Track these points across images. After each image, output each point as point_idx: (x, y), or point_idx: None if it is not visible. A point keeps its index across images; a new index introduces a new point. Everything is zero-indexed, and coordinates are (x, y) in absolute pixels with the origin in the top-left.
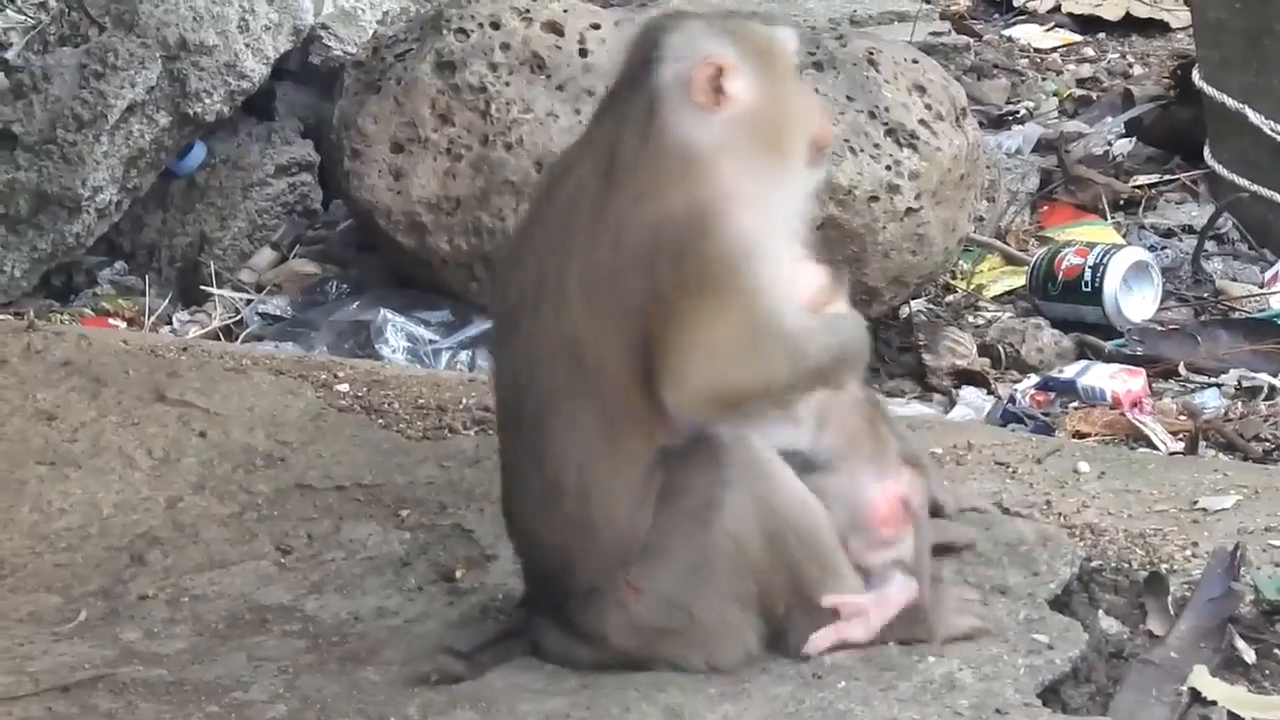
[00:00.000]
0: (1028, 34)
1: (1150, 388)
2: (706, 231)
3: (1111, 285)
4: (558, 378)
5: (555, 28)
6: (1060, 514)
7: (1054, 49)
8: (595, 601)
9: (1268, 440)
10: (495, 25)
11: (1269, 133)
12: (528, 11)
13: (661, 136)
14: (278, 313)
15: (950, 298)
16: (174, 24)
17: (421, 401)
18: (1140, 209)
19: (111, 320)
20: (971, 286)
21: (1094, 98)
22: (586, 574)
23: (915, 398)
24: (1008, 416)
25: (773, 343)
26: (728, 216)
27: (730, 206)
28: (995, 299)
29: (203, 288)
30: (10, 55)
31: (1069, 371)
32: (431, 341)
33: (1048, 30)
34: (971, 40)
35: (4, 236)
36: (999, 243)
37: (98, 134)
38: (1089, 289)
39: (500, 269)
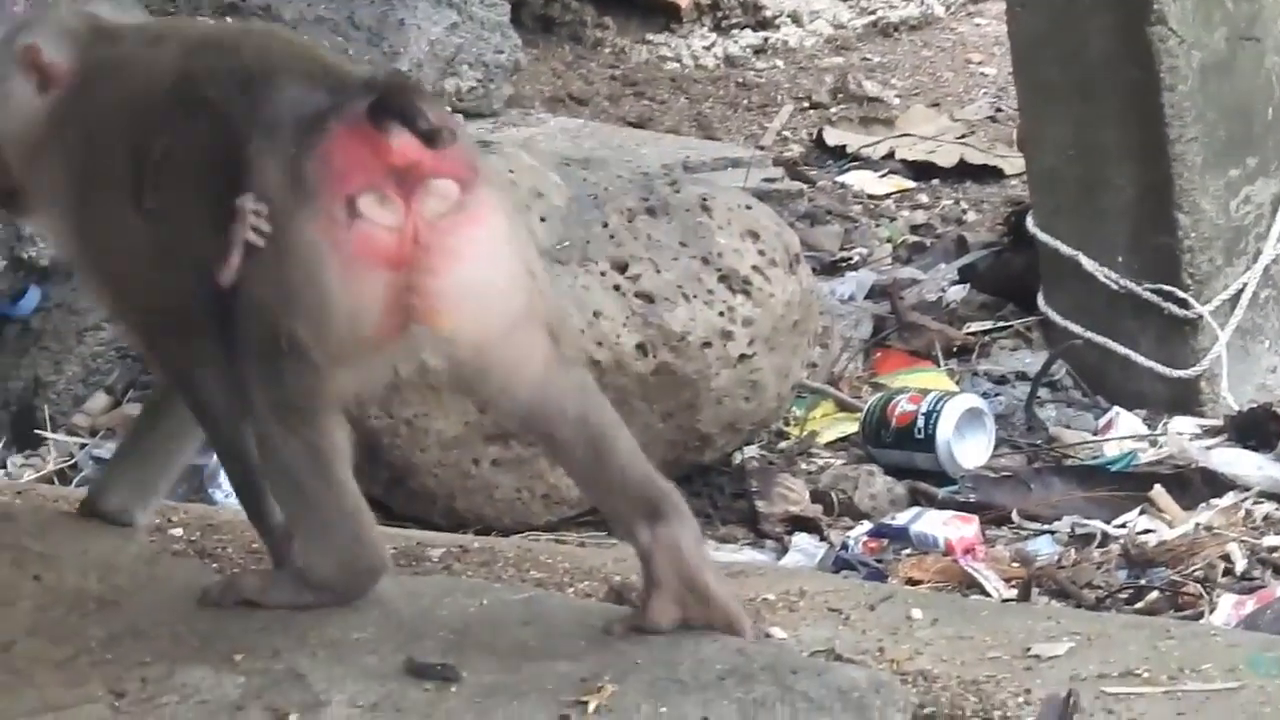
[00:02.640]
0: (861, 180)
1: (983, 534)
2: None
3: (944, 432)
4: None
5: None
6: (893, 660)
7: (888, 195)
8: None
9: (1100, 587)
10: None
11: (1102, 279)
12: None
13: None
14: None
15: (783, 444)
16: None
17: (255, 546)
18: (974, 356)
19: None
20: (804, 433)
21: (928, 244)
22: None
23: (748, 544)
24: (840, 563)
25: None
26: None
27: None
28: (828, 445)
29: (37, 432)
30: None
31: (902, 518)
32: None
33: (881, 176)
34: (805, 186)
35: None
36: (832, 389)
37: None
38: (922, 436)
39: None
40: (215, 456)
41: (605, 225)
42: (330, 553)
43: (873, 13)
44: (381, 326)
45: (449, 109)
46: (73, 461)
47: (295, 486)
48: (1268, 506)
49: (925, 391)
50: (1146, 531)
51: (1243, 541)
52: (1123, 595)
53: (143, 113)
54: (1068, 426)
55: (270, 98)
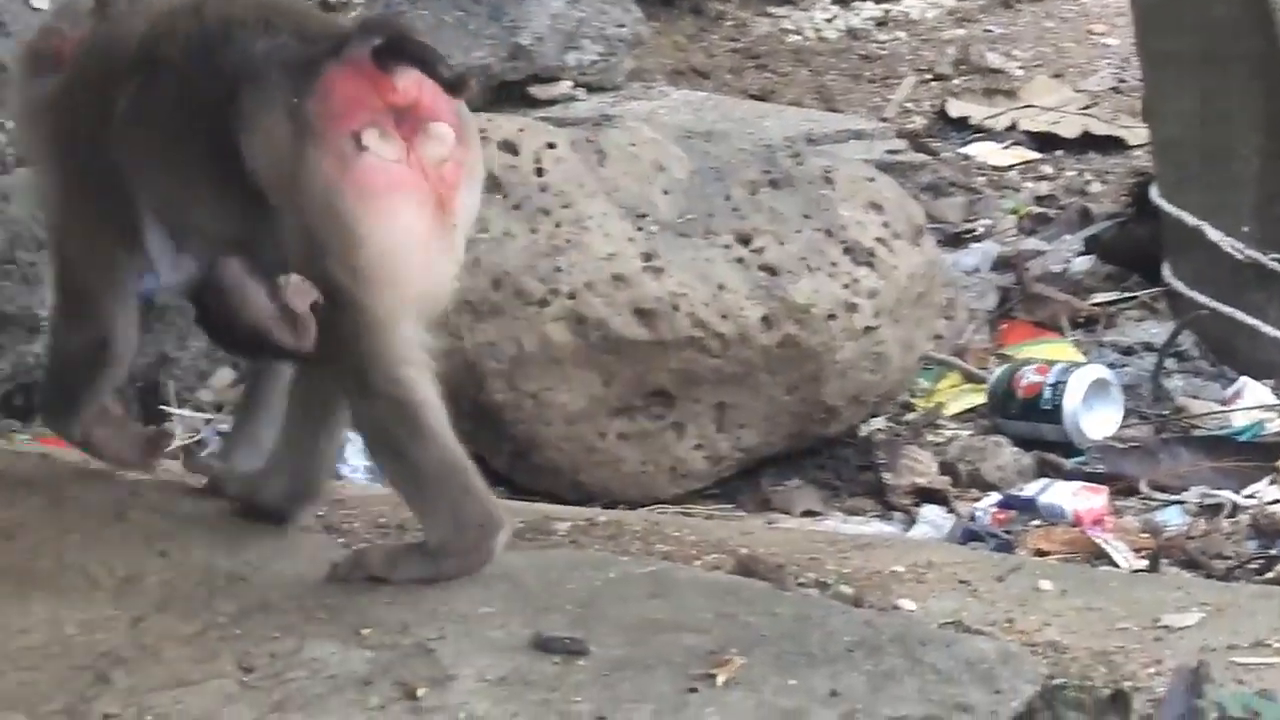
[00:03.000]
0: (984, 152)
1: (1112, 505)
2: None
3: (1071, 403)
4: None
5: (510, 147)
6: (1022, 631)
7: (1011, 166)
8: None
9: (1230, 558)
10: None
11: (1227, 249)
12: (482, 131)
13: None
14: None
15: (909, 416)
16: None
17: (382, 520)
18: (1100, 327)
19: None
20: (931, 405)
21: (1051, 215)
22: None
23: (875, 516)
24: (968, 535)
25: None
26: None
27: None
28: (955, 417)
29: (162, 407)
30: None
31: (1029, 489)
32: None
33: (1005, 148)
34: (928, 158)
35: None
36: (958, 361)
37: None
38: (1049, 407)
39: None
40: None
41: (728, 198)
42: (441, 511)
43: None
44: (413, 260)
45: (571, 82)
46: (198, 437)
47: (392, 451)
48: None
49: (1052, 363)
50: (1275, 501)
51: None
52: (1252, 565)
53: (111, 75)
54: (1195, 397)
55: (250, 49)
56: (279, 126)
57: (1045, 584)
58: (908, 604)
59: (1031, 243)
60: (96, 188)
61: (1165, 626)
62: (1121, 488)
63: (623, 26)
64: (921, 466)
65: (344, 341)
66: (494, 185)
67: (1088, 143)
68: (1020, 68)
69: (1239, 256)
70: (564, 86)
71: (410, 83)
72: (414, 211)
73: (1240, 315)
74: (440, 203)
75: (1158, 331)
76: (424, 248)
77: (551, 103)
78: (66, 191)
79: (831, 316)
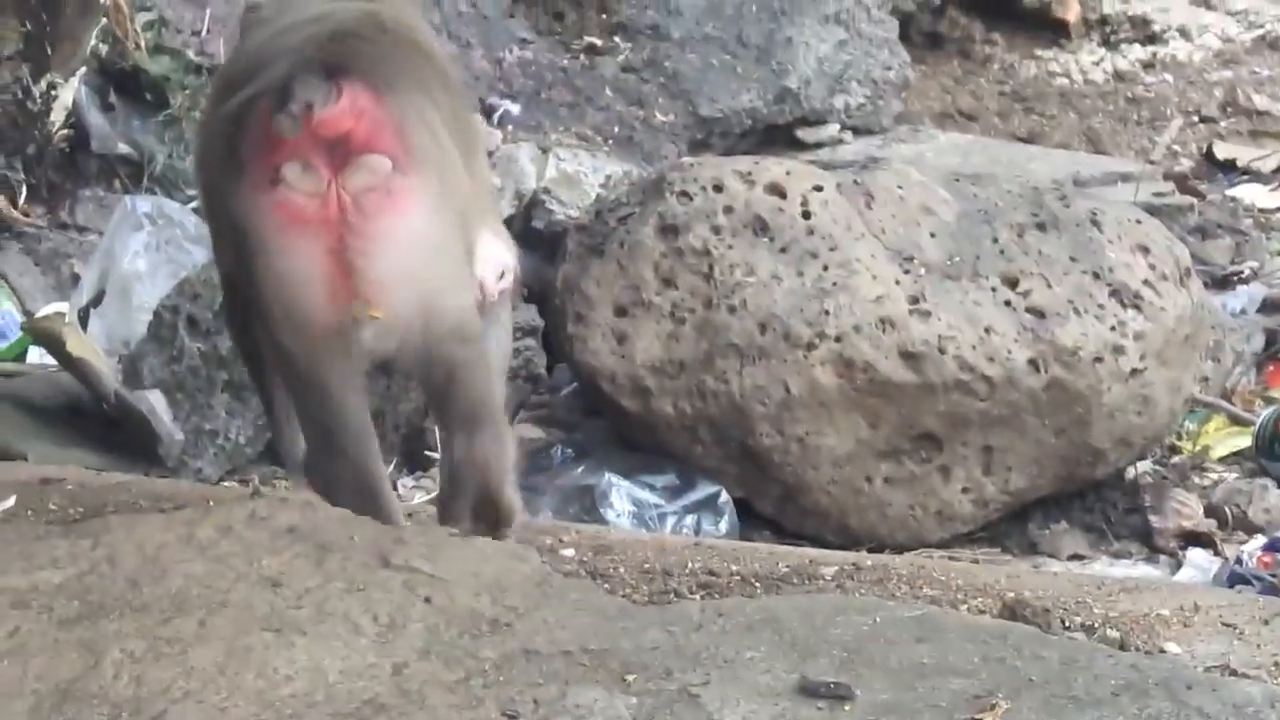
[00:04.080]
0: (1252, 194)
1: None
2: None
3: None
4: None
5: (778, 190)
6: None
7: (1278, 208)
8: None
9: None
10: (718, 188)
11: None
12: (750, 174)
13: None
14: None
15: (1176, 459)
16: None
17: (647, 566)
18: None
19: None
20: (1197, 448)
21: None
22: None
23: (1141, 559)
24: (1234, 578)
25: None
26: None
27: None
28: (1221, 460)
29: (427, 453)
30: None
31: None
32: (656, 505)
33: (1272, 190)
34: (1195, 200)
35: (229, 404)
36: (1225, 403)
37: None
38: None
39: None
40: (607, 476)
41: (995, 240)
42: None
43: (1261, 26)
44: (321, 293)
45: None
46: None
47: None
48: None
49: None
50: None
51: None
52: None
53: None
54: None
55: (246, 82)
56: (224, 163)
57: None
58: (1174, 647)
59: None
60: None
61: None
62: None
63: (890, 69)
64: (1188, 509)
65: (273, 353)
66: (761, 228)
67: None
68: None
69: None
70: (831, 129)
71: (331, 115)
72: (308, 245)
73: None
74: (354, 234)
75: None
76: (319, 280)
77: (819, 145)
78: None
79: (1099, 359)
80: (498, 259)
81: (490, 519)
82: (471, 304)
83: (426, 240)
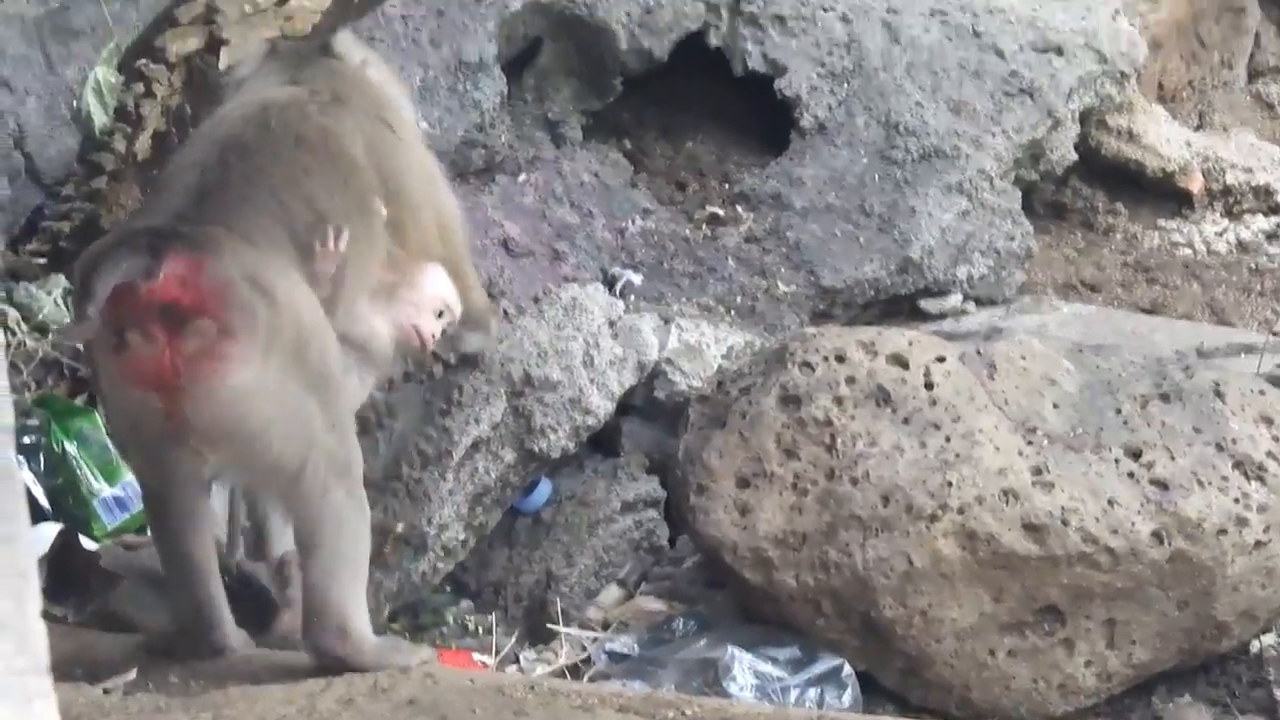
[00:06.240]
0: None
1: None
2: None
3: None
4: None
5: (900, 360)
6: None
7: None
8: None
9: None
10: (840, 358)
11: None
12: (872, 344)
13: None
14: (625, 651)
15: None
16: (518, 360)
17: None
18: None
19: (475, 655)
20: None
21: None
22: None
23: None
24: None
25: None
26: None
27: None
28: None
29: (549, 625)
30: None
31: None
32: (779, 679)
33: None
34: None
35: None
36: None
37: (443, 471)
38: None
39: None
40: (730, 649)
41: (1118, 411)
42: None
43: None
44: (159, 435)
45: (961, 295)
46: (585, 655)
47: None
48: None
49: None
50: None
51: None
52: None
53: None
54: None
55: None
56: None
57: None
58: None
59: None
60: None
61: None
62: None
63: (1013, 240)
64: None
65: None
66: (884, 399)
67: None
68: None
69: None
70: (954, 300)
71: (172, 284)
72: (148, 401)
73: None
74: (184, 394)
75: None
76: (158, 430)
77: (942, 316)
78: None
79: (1222, 531)
80: (435, 299)
81: (320, 642)
82: (306, 445)
83: (251, 396)
